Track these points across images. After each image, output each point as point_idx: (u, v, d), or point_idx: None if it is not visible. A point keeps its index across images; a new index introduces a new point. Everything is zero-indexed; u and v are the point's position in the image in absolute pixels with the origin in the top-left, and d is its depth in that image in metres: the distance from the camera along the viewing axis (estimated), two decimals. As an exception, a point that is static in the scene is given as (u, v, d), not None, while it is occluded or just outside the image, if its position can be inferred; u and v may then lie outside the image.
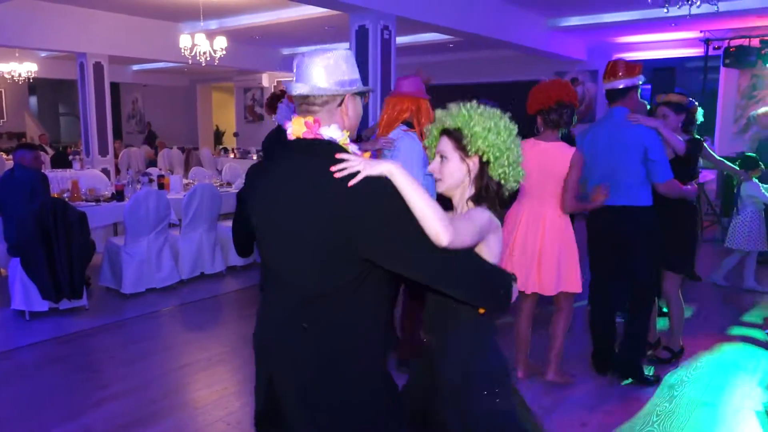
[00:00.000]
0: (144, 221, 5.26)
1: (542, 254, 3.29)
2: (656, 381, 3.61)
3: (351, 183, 1.42)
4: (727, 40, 8.41)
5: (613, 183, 3.34)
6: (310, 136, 1.55)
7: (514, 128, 1.72)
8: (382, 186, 1.43)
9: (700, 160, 4.25)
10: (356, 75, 1.60)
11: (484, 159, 1.68)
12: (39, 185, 4.82)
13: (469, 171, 1.71)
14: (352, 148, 1.58)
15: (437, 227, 1.42)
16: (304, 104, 1.57)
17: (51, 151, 11.85)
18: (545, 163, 3.24)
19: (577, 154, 3.24)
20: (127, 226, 5.23)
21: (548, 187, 3.27)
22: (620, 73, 3.44)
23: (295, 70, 1.58)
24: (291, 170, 1.55)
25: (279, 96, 4.19)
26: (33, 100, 17.86)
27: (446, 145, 1.72)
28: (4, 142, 15.28)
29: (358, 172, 1.42)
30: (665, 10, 5.48)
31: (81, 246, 4.70)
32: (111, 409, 3.30)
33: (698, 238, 3.93)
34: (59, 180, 7.72)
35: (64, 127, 18.90)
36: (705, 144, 4.35)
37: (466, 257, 1.55)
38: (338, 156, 1.47)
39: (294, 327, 1.52)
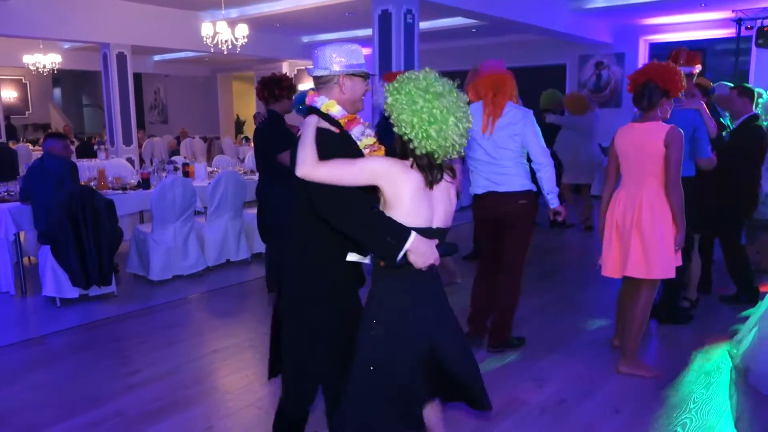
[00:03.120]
0: (170, 209, 5.28)
1: (634, 237, 3.32)
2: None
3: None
4: (760, 20, 8.17)
5: None
6: (309, 103, 2.13)
7: (429, 95, 1.83)
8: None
9: None
10: (355, 61, 2.09)
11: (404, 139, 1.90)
12: (68, 174, 4.85)
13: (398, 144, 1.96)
14: (334, 111, 2.08)
15: (297, 163, 1.91)
16: (315, 82, 2.14)
17: (76, 142, 11.99)
18: (639, 144, 3.30)
19: (672, 131, 3.22)
20: (154, 214, 5.25)
21: (645, 168, 3.29)
22: (681, 61, 3.86)
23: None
24: None
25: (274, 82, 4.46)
26: (57, 92, 18.08)
27: None
28: (30, 133, 15.51)
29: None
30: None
31: (109, 233, 4.73)
32: (142, 394, 3.33)
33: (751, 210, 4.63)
34: (85, 169, 7.80)
35: (88, 118, 19.13)
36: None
37: (359, 202, 1.88)
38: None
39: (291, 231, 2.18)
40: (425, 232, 1.91)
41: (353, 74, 2.09)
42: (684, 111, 3.82)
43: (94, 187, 5.39)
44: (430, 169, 1.90)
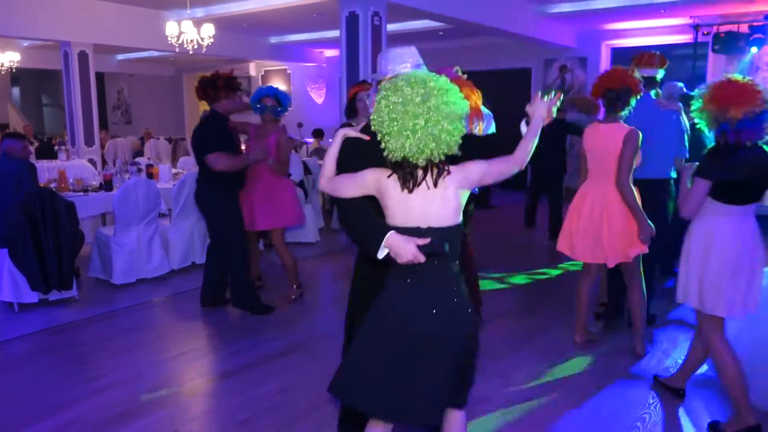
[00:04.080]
0: (134, 211, 5.19)
1: (604, 229, 3.52)
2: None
3: None
4: (716, 26, 8.43)
5: (658, 158, 3.89)
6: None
7: (392, 104, 1.83)
8: None
9: None
10: (397, 65, 2.21)
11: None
12: (27, 175, 4.72)
13: None
14: None
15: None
16: None
17: (36, 143, 11.67)
18: (603, 144, 3.49)
19: (632, 132, 3.42)
20: (117, 216, 5.15)
21: (608, 166, 3.49)
22: (656, 64, 4.04)
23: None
24: None
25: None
26: (16, 91, 17.58)
27: None
28: (-13, 133, 15.04)
29: None
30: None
31: (70, 236, 4.63)
32: (104, 399, 3.26)
33: None
34: (45, 170, 7.60)
35: (48, 118, 18.64)
36: None
37: (350, 208, 2.03)
38: None
39: None
40: (412, 232, 1.92)
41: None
42: (669, 112, 3.95)
43: (54, 189, 5.26)
44: (404, 173, 1.91)
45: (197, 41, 8.42)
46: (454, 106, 1.84)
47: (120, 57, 13.96)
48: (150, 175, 6.54)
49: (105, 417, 3.06)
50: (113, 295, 5.08)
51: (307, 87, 14.22)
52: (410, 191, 1.92)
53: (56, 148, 10.14)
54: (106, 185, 5.94)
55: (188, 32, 8.24)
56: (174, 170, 7.24)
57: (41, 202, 4.46)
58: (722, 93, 2.63)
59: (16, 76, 15.66)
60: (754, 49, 8.23)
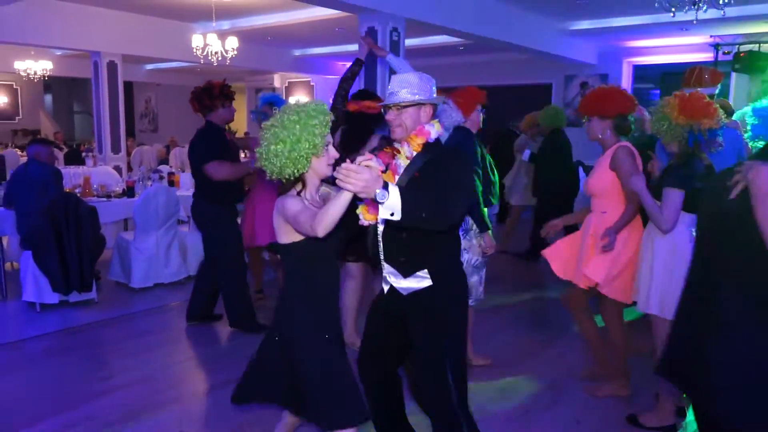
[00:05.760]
0: (153, 217, 5.35)
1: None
2: None
3: None
4: (737, 45, 8.38)
5: None
6: None
7: (278, 127, 2.08)
8: None
9: None
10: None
11: None
12: (52, 180, 4.91)
13: None
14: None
15: None
16: None
17: (65, 148, 12.02)
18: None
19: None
20: (137, 222, 5.32)
21: None
22: (706, 77, 3.90)
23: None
24: None
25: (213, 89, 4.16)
26: (48, 98, 18.10)
27: None
28: (20, 138, 15.50)
29: None
30: (671, 14, 5.50)
31: (91, 240, 4.79)
32: (116, 398, 3.38)
33: None
34: (72, 176, 7.85)
35: (78, 125, 19.13)
36: None
37: None
38: None
39: None
40: None
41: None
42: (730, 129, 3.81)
43: (78, 194, 5.45)
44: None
45: (222, 53, 8.64)
46: (285, 133, 2.05)
47: (149, 67, 14.33)
48: (171, 183, 6.72)
49: (113, 416, 3.18)
50: (131, 298, 5.24)
51: (329, 99, 14.40)
52: None
53: (84, 154, 10.43)
54: (129, 192, 6.13)
55: (213, 44, 8.47)
56: (195, 178, 7.42)
57: (65, 207, 4.64)
58: (691, 105, 2.75)
59: (49, 83, 16.15)
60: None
